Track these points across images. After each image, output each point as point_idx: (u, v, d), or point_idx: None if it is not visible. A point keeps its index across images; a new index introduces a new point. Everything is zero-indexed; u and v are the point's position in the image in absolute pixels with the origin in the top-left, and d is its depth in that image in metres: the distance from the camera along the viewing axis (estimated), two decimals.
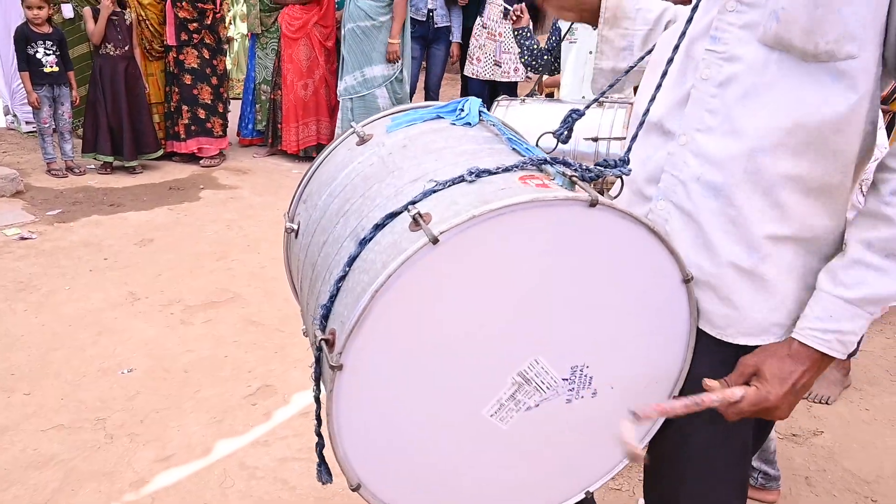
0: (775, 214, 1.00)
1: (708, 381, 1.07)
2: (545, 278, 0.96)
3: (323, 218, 1.16)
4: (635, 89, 4.33)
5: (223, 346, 2.80)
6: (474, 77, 5.49)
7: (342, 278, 0.97)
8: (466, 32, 5.69)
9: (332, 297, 0.98)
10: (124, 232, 3.95)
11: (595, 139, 2.56)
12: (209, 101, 5.21)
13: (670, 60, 1.10)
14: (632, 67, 1.30)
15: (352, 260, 0.97)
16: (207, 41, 5.12)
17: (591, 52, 2.92)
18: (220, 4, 5.20)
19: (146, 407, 2.40)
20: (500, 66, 5.32)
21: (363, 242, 0.97)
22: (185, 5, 4.92)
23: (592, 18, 1.32)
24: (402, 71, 5.15)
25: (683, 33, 1.09)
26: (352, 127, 1.30)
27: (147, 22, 5.00)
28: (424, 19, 5.45)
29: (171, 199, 4.54)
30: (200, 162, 5.28)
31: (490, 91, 5.53)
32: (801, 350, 1.03)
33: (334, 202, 1.15)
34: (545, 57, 3.05)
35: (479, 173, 0.98)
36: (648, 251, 1.00)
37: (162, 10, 5.01)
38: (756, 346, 1.07)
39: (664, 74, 1.10)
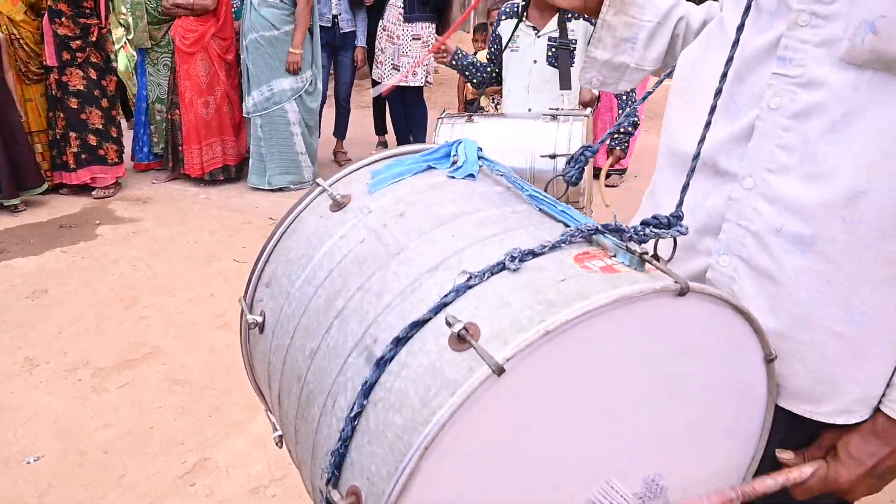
0: (882, 271, 0.82)
1: (782, 454, 0.90)
2: (622, 386, 0.75)
3: (304, 314, 0.90)
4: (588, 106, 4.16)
5: (147, 414, 2.45)
6: (378, 80, 5.25)
7: (358, 415, 0.72)
8: (372, 36, 5.44)
9: (346, 441, 0.72)
10: (11, 284, 3.48)
11: (553, 156, 2.39)
12: (100, 126, 4.72)
13: (719, 91, 0.90)
14: (661, 79, 1.10)
15: (368, 388, 0.72)
16: (94, 60, 4.63)
17: (535, 61, 2.74)
18: (106, 18, 4.72)
19: (62, 503, 2.04)
20: (399, 71, 5.10)
21: (381, 363, 0.72)
22: (65, 21, 4.42)
23: (596, 3, 1.12)
24: (312, 82, 4.84)
25: (731, 58, 0.90)
26: (317, 184, 1.04)
27: (21, 41, 4.47)
28: (330, 25, 5.15)
29: (63, 240, 4.06)
30: (93, 193, 4.78)
31: (399, 95, 5.30)
32: (888, 427, 0.86)
33: (319, 294, 0.89)
34: (488, 69, 2.86)
35: (523, 256, 0.76)
36: (729, 330, 0.81)
37: (38, 27, 4.49)
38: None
39: (713, 110, 0.90)
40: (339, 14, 5.19)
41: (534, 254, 0.76)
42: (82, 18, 4.50)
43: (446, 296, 0.73)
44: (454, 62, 2.83)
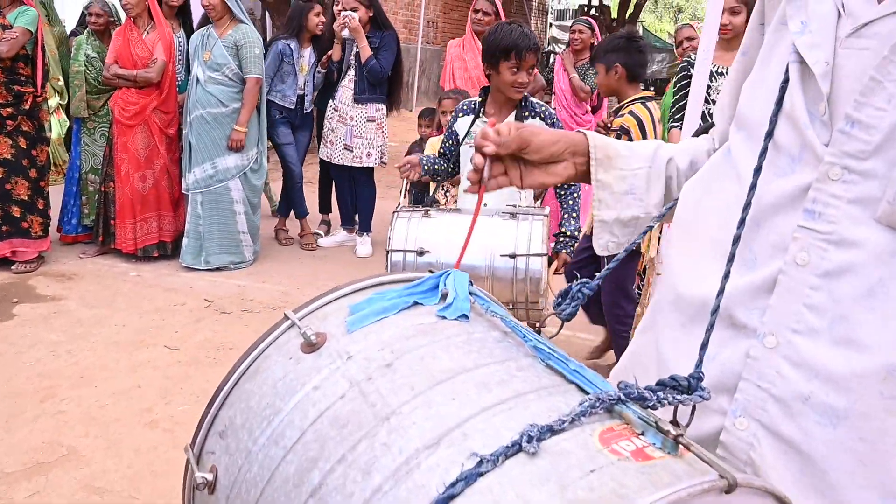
0: None
1: None
2: None
3: (269, 484, 0.76)
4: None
5: None
6: (328, 160, 5.18)
7: None
8: (320, 114, 5.40)
9: None
10: None
11: (512, 255, 2.31)
12: (25, 198, 4.46)
13: (737, 239, 0.83)
14: (661, 216, 1.04)
15: None
16: (25, 128, 4.40)
17: None
18: (42, 86, 4.53)
19: None
20: (352, 151, 5.05)
21: None
22: None
23: (586, 165, 1.05)
24: (257, 160, 4.73)
25: (748, 203, 0.84)
26: (286, 317, 0.92)
27: None
28: (293, 107, 5.10)
29: None
30: (13, 268, 4.47)
31: (347, 175, 5.23)
32: None
33: (289, 459, 0.75)
34: (445, 165, 2.81)
35: (541, 435, 0.65)
36: None
37: None
38: None
39: (731, 259, 0.83)
40: (305, 94, 5.16)
41: (553, 430, 0.65)
42: (16, 85, 4.30)
43: (453, 485, 0.61)
44: (425, 169, 2.78)
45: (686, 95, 3.75)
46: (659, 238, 2.97)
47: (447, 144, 2.84)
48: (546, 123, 2.71)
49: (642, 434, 0.68)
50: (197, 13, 5.19)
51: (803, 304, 0.79)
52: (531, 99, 2.76)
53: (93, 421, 2.83)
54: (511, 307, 2.41)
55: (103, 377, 3.19)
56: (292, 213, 5.48)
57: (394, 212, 2.54)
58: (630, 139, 2.81)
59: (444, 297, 0.91)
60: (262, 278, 4.65)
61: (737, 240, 0.83)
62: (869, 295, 0.75)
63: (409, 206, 2.65)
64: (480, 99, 2.77)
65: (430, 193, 2.95)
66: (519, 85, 2.65)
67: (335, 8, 5.11)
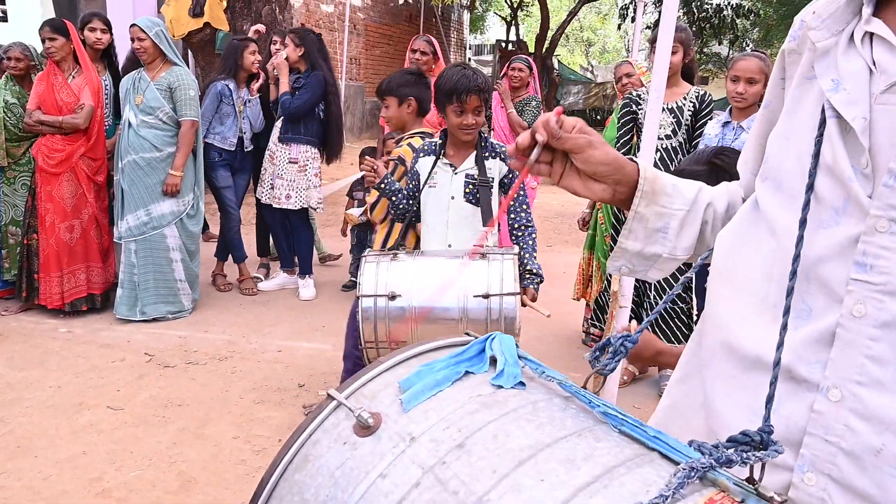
0: None
1: None
2: None
3: None
4: None
5: None
6: (259, 198, 5.12)
7: None
8: (260, 152, 5.29)
9: None
10: None
11: (486, 296, 2.30)
12: None
13: (790, 291, 0.84)
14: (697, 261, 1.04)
15: None
16: None
17: (452, 198, 2.70)
18: None
19: None
20: (274, 191, 4.97)
21: None
22: None
23: (626, 194, 1.05)
24: (194, 205, 4.57)
25: (797, 256, 0.85)
26: (331, 397, 0.87)
27: None
28: (233, 149, 4.97)
29: None
30: None
31: (280, 216, 5.13)
32: None
33: None
34: (409, 203, 2.78)
35: None
36: None
37: None
38: None
39: (787, 311, 0.84)
40: (244, 134, 5.04)
41: None
42: None
43: None
44: (383, 185, 2.74)
45: (630, 130, 3.87)
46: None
47: (411, 185, 2.81)
48: (506, 164, 2.72)
49: (743, 502, 0.67)
50: (121, 56, 5.04)
51: (865, 356, 0.79)
52: (490, 140, 2.77)
53: (37, 496, 2.62)
54: None
55: (43, 446, 2.97)
56: (230, 257, 5.31)
57: (363, 256, 2.49)
58: (405, 168, 2.86)
59: (493, 362, 0.89)
60: (203, 327, 4.47)
61: (790, 292, 0.83)
62: None
63: (379, 250, 2.60)
64: (440, 141, 2.76)
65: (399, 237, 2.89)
66: (465, 127, 2.65)
67: (272, 47, 5.06)
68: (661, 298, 3.73)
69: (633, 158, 1.06)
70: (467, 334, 0.98)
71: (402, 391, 0.84)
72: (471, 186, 2.69)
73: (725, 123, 3.44)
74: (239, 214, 5.25)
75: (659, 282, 3.73)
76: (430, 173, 2.72)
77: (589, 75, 26.64)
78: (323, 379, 3.82)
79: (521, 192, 2.80)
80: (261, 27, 5.64)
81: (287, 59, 4.82)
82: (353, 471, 0.77)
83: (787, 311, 0.84)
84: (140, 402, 3.41)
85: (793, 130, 0.91)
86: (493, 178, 2.70)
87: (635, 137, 3.87)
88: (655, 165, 3.62)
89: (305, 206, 5.05)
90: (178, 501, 2.64)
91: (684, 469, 0.68)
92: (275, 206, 5.01)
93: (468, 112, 2.63)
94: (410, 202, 2.79)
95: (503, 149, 2.76)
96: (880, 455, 0.78)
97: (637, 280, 3.99)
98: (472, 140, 2.72)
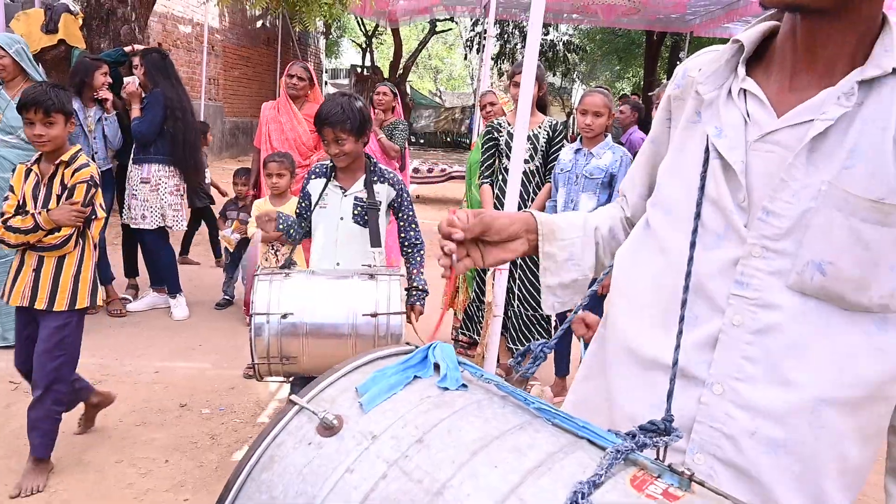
0: (841, 467, 0.96)
1: None
2: None
3: None
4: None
5: None
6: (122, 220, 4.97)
7: None
8: (122, 172, 5.10)
9: None
10: None
11: (374, 315, 2.40)
12: None
13: (684, 303, 1.01)
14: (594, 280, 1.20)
15: None
16: None
17: (341, 218, 2.78)
18: None
19: None
20: (130, 211, 4.87)
21: None
22: None
23: (535, 241, 1.21)
24: None
25: (689, 273, 1.02)
26: (292, 402, 0.94)
27: None
28: None
29: None
30: None
31: (138, 237, 5.01)
32: None
33: None
34: (302, 225, 2.82)
35: (589, 491, 0.76)
36: None
37: None
38: None
39: (682, 319, 1.01)
40: (96, 153, 4.81)
41: (595, 485, 0.77)
42: None
43: None
44: (280, 227, 2.77)
45: (493, 155, 4.11)
46: (493, 284, 3.21)
47: (303, 205, 2.86)
48: (394, 189, 2.83)
49: (659, 477, 0.82)
50: None
51: (742, 357, 0.98)
52: (380, 165, 2.87)
53: None
54: None
55: None
56: None
57: (254, 275, 2.52)
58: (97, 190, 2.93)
59: (436, 368, 1.00)
60: None
61: (684, 303, 1.01)
62: (791, 346, 0.95)
63: (270, 267, 2.62)
64: (331, 164, 2.83)
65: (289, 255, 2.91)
66: (334, 156, 2.74)
67: (133, 69, 4.93)
68: (523, 307, 3.99)
69: (529, 210, 1.22)
70: (407, 344, 1.08)
71: (361, 395, 0.93)
72: (359, 208, 2.78)
73: (577, 150, 3.76)
74: (103, 236, 5.01)
75: (522, 291, 3.99)
76: (321, 194, 2.79)
77: (438, 100, 27.62)
78: (205, 398, 3.75)
79: (411, 212, 2.92)
80: (137, 47, 5.44)
81: (138, 82, 4.75)
82: (321, 468, 0.86)
83: (682, 319, 1.01)
84: (10, 432, 3.21)
85: (681, 166, 1.10)
86: (380, 202, 2.80)
87: (497, 161, 4.13)
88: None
89: (161, 225, 4.91)
90: None
91: (612, 452, 0.82)
92: (132, 226, 4.89)
93: (331, 142, 2.72)
94: (303, 225, 2.84)
95: (391, 174, 2.87)
96: (754, 436, 0.97)
97: (477, 291, 4.25)
98: (349, 166, 2.80)
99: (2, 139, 4.09)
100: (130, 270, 5.44)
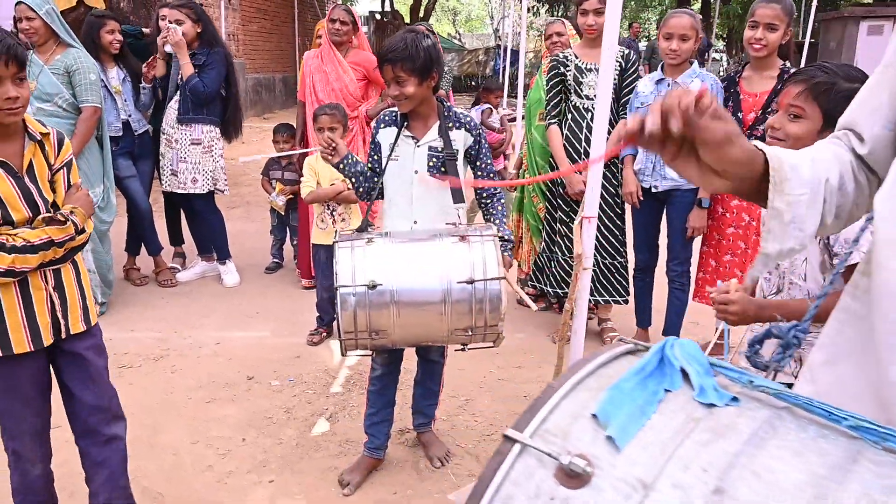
0: None
1: None
2: None
3: None
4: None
5: None
6: (165, 188, 4.72)
7: None
8: (157, 135, 4.86)
9: None
10: None
11: (471, 281, 2.16)
12: None
13: None
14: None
15: None
16: None
17: (416, 172, 2.51)
18: None
19: None
20: (177, 177, 4.59)
21: None
22: None
23: (747, 185, 0.92)
24: (104, 197, 4.13)
25: None
26: (508, 439, 0.70)
27: None
28: (120, 133, 4.49)
29: None
30: None
31: (183, 202, 4.80)
32: None
33: None
34: (374, 179, 2.57)
35: None
36: None
37: None
38: None
39: None
40: (130, 116, 4.56)
41: None
42: None
43: None
44: (342, 165, 2.51)
45: (559, 92, 3.77)
46: (580, 234, 2.94)
47: (373, 158, 2.60)
48: (471, 135, 2.55)
49: None
50: None
51: None
52: (455, 109, 2.59)
53: None
54: (470, 332, 2.26)
55: None
56: (142, 250, 4.88)
57: (334, 241, 2.29)
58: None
59: (684, 373, 0.75)
60: (128, 326, 4.09)
61: None
62: None
63: (349, 232, 2.38)
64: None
65: (365, 217, 2.67)
66: (394, 98, 2.46)
67: (161, 22, 4.58)
68: (599, 255, 3.73)
69: (758, 145, 0.92)
70: (622, 340, 0.84)
71: (604, 424, 0.69)
72: (434, 160, 2.52)
73: (659, 80, 3.41)
74: (148, 205, 4.81)
75: (598, 238, 3.72)
76: (392, 146, 2.52)
77: (458, 43, 26.84)
78: (271, 368, 3.58)
79: (489, 160, 2.65)
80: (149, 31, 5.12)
81: (184, 35, 4.40)
82: None
83: None
84: None
85: None
86: (457, 150, 2.53)
87: (564, 99, 3.79)
88: (588, 126, 3.58)
89: (212, 189, 4.70)
90: None
91: None
92: (179, 192, 4.65)
93: (392, 82, 2.44)
94: (375, 179, 2.58)
95: (468, 119, 2.59)
96: None
97: (547, 241, 3.98)
98: (419, 112, 2.52)
99: (38, 107, 3.84)
100: (176, 239, 5.26)
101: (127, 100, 4.58)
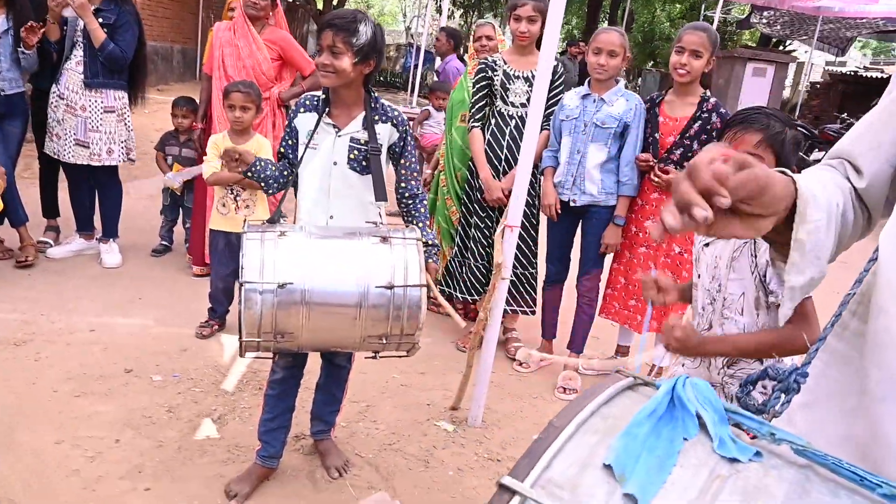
0: None
1: None
2: None
3: None
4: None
5: None
6: (56, 156, 4.27)
7: None
8: (38, 97, 4.41)
9: None
10: None
11: (390, 287, 2.03)
12: None
13: None
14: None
15: None
16: None
17: (335, 163, 2.34)
18: None
19: None
20: (88, 148, 4.20)
21: None
22: None
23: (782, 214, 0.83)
24: None
25: None
26: (504, 488, 0.58)
27: None
28: None
29: None
30: None
31: (84, 174, 4.36)
32: None
33: None
34: (286, 173, 2.39)
35: None
36: None
37: None
38: None
39: None
40: (0, 73, 4.07)
41: None
42: None
43: None
44: (250, 174, 2.32)
45: (485, 96, 3.69)
46: (502, 244, 2.87)
47: (288, 143, 2.41)
48: (397, 131, 2.41)
49: None
50: None
51: None
52: (383, 102, 2.43)
53: None
54: (384, 340, 2.12)
55: None
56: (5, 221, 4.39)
57: (242, 233, 2.08)
58: None
59: (699, 418, 0.66)
60: None
61: None
62: None
63: (259, 223, 2.17)
64: (323, 96, 2.38)
65: (278, 208, 2.44)
66: (322, 68, 2.26)
67: None
68: (477, 261, 3.73)
69: (787, 172, 0.83)
70: (620, 372, 0.73)
71: (620, 475, 0.58)
72: (356, 152, 2.35)
73: (585, 95, 3.40)
74: (12, 169, 4.32)
75: (477, 247, 3.73)
76: (311, 133, 2.34)
77: None
78: (154, 361, 3.29)
79: (413, 159, 2.52)
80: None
81: None
82: None
83: None
84: None
85: None
86: (381, 145, 2.38)
87: (489, 103, 3.72)
88: (510, 134, 3.54)
89: (125, 160, 4.34)
90: None
91: None
92: (94, 164, 4.25)
93: (323, 49, 2.26)
94: (286, 173, 2.40)
95: (395, 113, 2.44)
96: None
97: (460, 246, 3.93)
98: (344, 99, 2.35)
99: None
100: (51, 211, 4.79)
101: (2, 54, 4.08)
